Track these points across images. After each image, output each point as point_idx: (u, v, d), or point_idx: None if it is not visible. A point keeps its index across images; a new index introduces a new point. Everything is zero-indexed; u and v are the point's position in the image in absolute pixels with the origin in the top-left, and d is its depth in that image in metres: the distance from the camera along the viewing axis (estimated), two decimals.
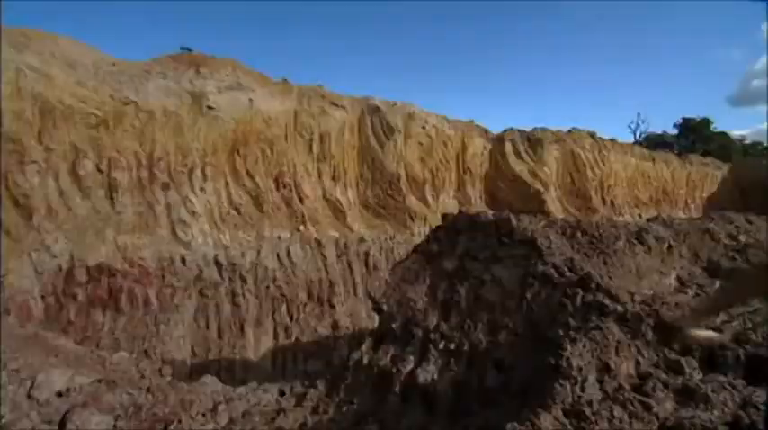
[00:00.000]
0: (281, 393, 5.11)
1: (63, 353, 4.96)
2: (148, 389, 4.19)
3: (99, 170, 8.37)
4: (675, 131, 31.53)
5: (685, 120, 31.01)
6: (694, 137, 30.08)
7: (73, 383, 3.94)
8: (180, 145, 9.39)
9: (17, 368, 3.86)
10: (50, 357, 4.59)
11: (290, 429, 4.11)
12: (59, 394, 3.81)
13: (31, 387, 3.75)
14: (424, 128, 13.81)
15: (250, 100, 10.47)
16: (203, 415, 4.06)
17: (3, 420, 3.00)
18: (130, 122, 8.82)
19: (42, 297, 7.26)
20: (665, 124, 38.29)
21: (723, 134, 30.89)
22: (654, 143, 28.18)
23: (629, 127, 35.38)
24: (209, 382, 4.97)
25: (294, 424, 4.26)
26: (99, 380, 4.09)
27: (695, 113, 32.02)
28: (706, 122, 30.70)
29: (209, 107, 9.84)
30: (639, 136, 30.49)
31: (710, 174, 22.81)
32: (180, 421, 3.86)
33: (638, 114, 47.31)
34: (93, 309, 7.61)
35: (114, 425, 3.61)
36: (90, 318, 7.56)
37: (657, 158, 20.69)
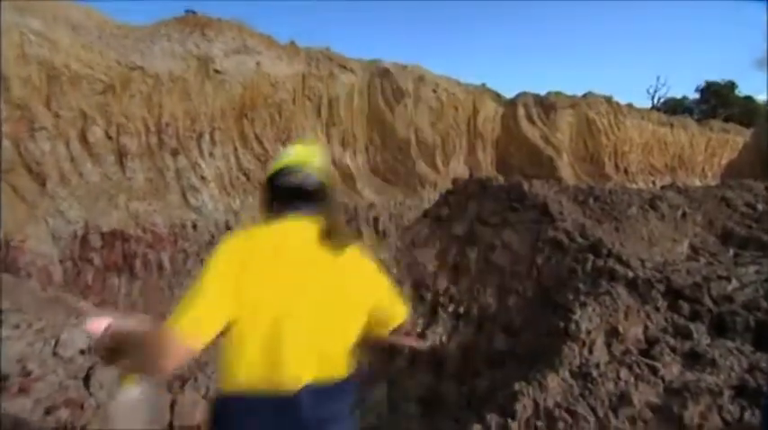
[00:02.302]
0: None
1: (83, 314, 5.13)
2: None
3: (108, 136, 8.38)
4: (697, 96, 30.30)
5: (708, 83, 29.66)
6: (717, 101, 28.82)
7: (93, 342, 4.08)
8: (188, 110, 9.31)
9: (41, 328, 4.00)
10: (72, 318, 4.75)
11: None
12: (82, 352, 3.96)
13: (56, 345, 3.90)
14: (434, 91, 13.48)
15: (257, 63, 10.26)
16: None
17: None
18: (137, 88, 8.74)
19: (61, 261, 7.46)
20: (687, 88, 36.95)
21: (748, 98, 29.43)
22: (673, 108, 27.21)
23: (648, 91, 34.00)
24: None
25: None
26: None
27: (720, 77, 30.54)
28: (730, 86, 29.26)
29: (216, 71, 9.68)
30: (658, 101, 29.43)
31: (731, 141, 21.99)
32: (196, 379, 4.02)
33: (658, 78, 45.39)
34: (109, 274, 7.81)
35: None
36: (107, 282, 7.78)
37: (676, 124, 20.03)
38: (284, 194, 1.22)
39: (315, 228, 1.14)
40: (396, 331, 1.29)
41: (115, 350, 1.08)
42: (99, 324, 1.10)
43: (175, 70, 9.19)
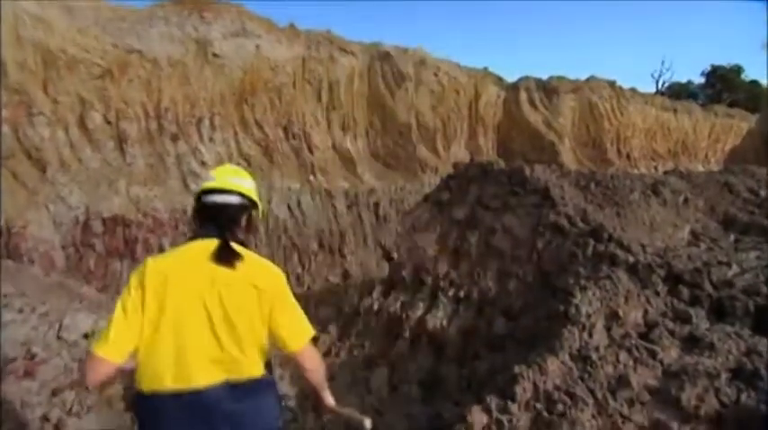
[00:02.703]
0: None
1: (86, 299, 5.17)
2: None
3: (107, 122, 8.32)
4: (702, 80, 29.84)
5: (714, 67, 29.15)
6: (722, 86, 28.37)
7: (97, 326, 4.12)
8: (187, 95, 9.23)
9: (45, 312, 4.04)
10: (75, 303, 4.79)
11: None
12: (86, 336, 4.01)
13: (60, 329, 3.94)
14: (435, 75, 13.32)
15: (257, 46, 10.12)
16: None
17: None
18: (136, 72, 8.64)
19: (63, 247, 7.48)
20: (692, 72, 36.18)
21: (754, 83, 28.83)
22: (677, 93, 26.87)
23: (652, 76, 33.51)
24: None
25: None
26: None
27: (726, 61, 29.85)
28: (736, 70, 28.71)
29: (215, 55, 9.55)
30: (662, 85, 29.05)
31: (736, 126, 21.73)
32: None
33: (663, 62, 44.78)
34: (111, 259, 7.85)
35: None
36: (109, 267, 7.82)
37: (679, 109, 19.81)
38: (204, 214, 1.41)
39: (208, 249, 1.30)
40: (299, 359, 1.39)
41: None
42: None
43: (174, 54, 9.07)
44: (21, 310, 3.88)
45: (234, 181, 1.46)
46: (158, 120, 8.86)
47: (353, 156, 11.87)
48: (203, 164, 9.21)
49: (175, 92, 9.07)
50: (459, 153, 13.72)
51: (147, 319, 1.24)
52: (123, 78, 8.47)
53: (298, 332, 1.39)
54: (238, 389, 1.25)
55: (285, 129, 10.72)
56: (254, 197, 1.51)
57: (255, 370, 1.30)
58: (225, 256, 1.29)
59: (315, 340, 1.52)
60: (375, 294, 5.12)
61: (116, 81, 8.39)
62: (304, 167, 10.77)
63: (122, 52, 8.45)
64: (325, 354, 4.67)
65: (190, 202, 7.00)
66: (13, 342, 3.55)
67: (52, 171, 7.57)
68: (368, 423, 1.49)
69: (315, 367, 1.45)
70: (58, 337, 3.87)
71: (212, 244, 1.32)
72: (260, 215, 1.56)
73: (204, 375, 1.23)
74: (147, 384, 1.24)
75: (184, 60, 9.19)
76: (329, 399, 1.51)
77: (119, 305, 1.26)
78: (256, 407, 1.28)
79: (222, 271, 1.28)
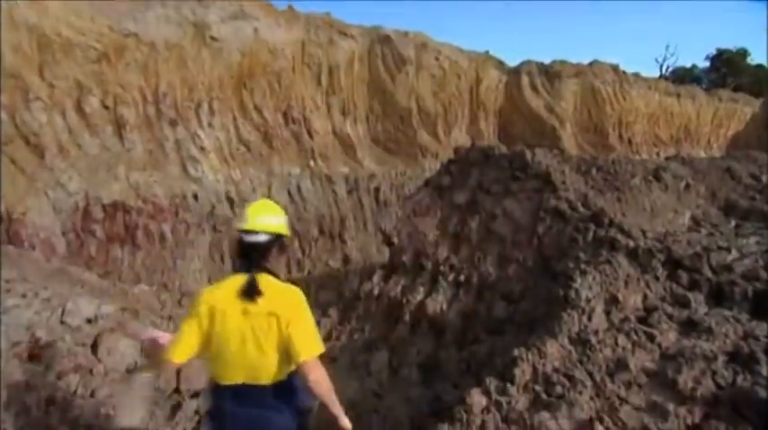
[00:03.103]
0: None
1: (88, 285, 5.20)
2: (170, 318, 4.42)
3: (105, 106, 8.23)
4: (707, 64, 29.36)
5: (719, 51, 28.61)
6: (727, 70, 27.89)
7: (100, 311, 4.15)
8: (185, 79, 9.12)
9: (48, 297, 4.06)
10: (77, 288, 4.82)
11: None
12: (89, 321, 4.04)
13: (63, 313, 3.96)
14: (436, 59, 13.15)
15: (255, 29, 9.96)
16: None
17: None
18: (132, 56, 8.52)
19: (63, 234, 7.48)
20: (697, 57, 35.49)
21: (760, 67, 28.24)
22: (681, 77, 26.50)
23: (657, 60, 33.01)
24: None
25: None
26: (123, 309, 4.31)
27: (733, 45, 29.24)
28: (742, 54, 28.16)
29: (213, 38, 9.41)
30: (666, 70, 28.64)
31: (739, 111, 21.48)
32: None
33: (667, 46, 43.96)
34: (111, 245, 7.86)
35: (141, 349, 3.86)
36: (110, 253, 7.84)
37: (683, 94, 19.58)
38: (240, 251, 1.78)
39: (238, 285, 1.70)
40: (306, 372, 1.70)
41: (146, 354, 2.00)
42: (142, 334, 2.05)
43: (171, 37, 8.93)
44: (24, 295, 3.90)
45: (262, 221, 1.77)
46: (156, 105, 8.77)
47: (354, 141, 11.79)
48: (202, 149, 9.16)
49: (173, 76, 8.96)
50: (460, 138, 13.63)
51: (202, 335, 1.71)
52: (120, 62, 8.36)
53: (307, 345, 1.70)
54: (254, 390, 1.73)
55: (285, 114, 10.63)
56: (283, 231, 1.85)
57: (275, 379, 1.74)
58: (249, 294, 1.68)
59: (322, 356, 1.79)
60: (375, 279, 5.15)
61: (113, 65, 8.27)
62: (304, 153, 10.71)
63: (118, 35, 8.32)
64: (326, 339, 4.71)
65: (190, 188, 7.01)
66: (18, 326, 3.57)
67: (51, 157, 7.52)
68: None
69: (318, 379, 1.70)
70: (62, 322, 3.90)
71: (241, 280, 1.71)
72: (286, 237, 1.90)
73: (233, 377, 1.73)
74: (212, 378, 1.81)
75: (182, 44, 9.05)
76: (345, 422, 1.78)
77: (183, 322, 1.76)
78: (272, 404, 1.75)
79: (250, 305, 1.69)
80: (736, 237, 4.82)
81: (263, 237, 1.75)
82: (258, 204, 1.88)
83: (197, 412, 3.37)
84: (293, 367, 1.73)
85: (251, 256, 1.74)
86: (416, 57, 12.73)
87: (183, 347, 1.71)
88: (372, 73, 12.33)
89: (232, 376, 1.73)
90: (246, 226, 1.75)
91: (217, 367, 1.76)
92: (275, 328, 1.68)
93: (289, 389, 1.77)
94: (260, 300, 1.68)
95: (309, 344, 1.71)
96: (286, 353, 1.70)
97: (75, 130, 7.89)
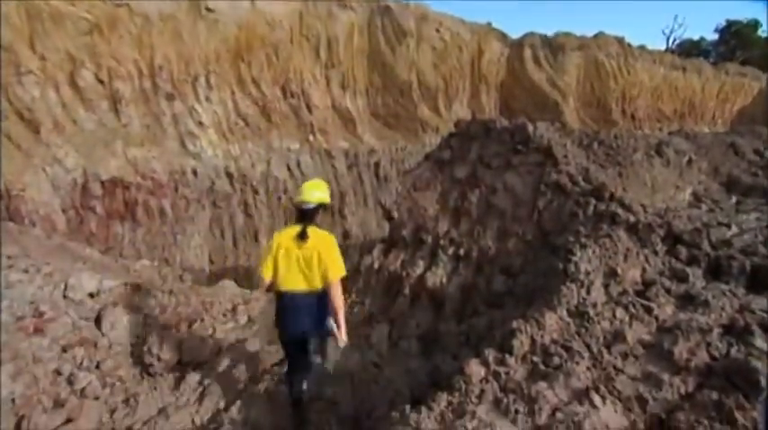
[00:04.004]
0: None
1: (90, 260, 5.22)
2: (171, 292, 4.45)
3: (99, 80, 8.07)
4: (716, 37, 28.56)
5: (729, 23, 27.74)
6: (736, 43, 27.10)
7: (102, 286, 4.18)
8: (181, 52, 8.91)
9: (50, 272, 4.08)
10: (78, 264, 4.84)
11: None
12: (91, 295, 4.07)
13: (65, 289, 4.00)
14: (438, 31, 12.83)
15: (252, 0, 9.68)
16: (224, 315, 4.35)
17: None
18: (126, 28, 8.30)
19: (63, 210, 7.46)
20: (706, 29, 34.29)
21: None
22: (688, 50, 25.87)
23: (663, 32, 32.12)
24: (228, 286, 5.25)
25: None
26: (125, 284, 4.34)
27: (744, 16, 28.28)
28: (753, 26, 27.23)
29: (209, 9, 9.15)
30: (673, 42, 27.94)
31: (747, 86, 20.97)
32: (203, 320, 4.16)
33: (675, 17, 42.73)
34: (111, 221, 7.86)
35: (144, 323, 3.91)
36: (110, 229, 7.85)
37: (689, 67, 19.16)
38: (297, 213, 2.78)
39: (296, 231, 2.72)
40: (330, 287, 2.71)
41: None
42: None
43: (165, 9, 8.68)
44: (26, 271, 3.92)
45: (311, 195, 2.76)
46: (152, 79, 8.61)
47: (353, 115, 11.63)
48: (201, 124, 9.04)
49: (168, 49, 8.76)
50: (461, 112, 13.45)
51: (274, 262, 2.72)
52: (113, 34, 8.15)
53: (334, 270, 2.71)
54: (309, 294, 2.73)
55: (283, 88, 10.45)
56: (325, 201, 2.84)
57: (318, 287, 2.72)
58: (302, 237, 2.69)
59: (345, 280, 2.83)
60: (375, 253, 5.17)
61: (105, 37, 8.07)
62: (303, 127, 10.59)
63: (110, 6, 8.08)
64: None
65: (189, 164, 6.97)
66: (21, 300, 3.61)
67: (46, 132, 7.43)
68: (341, 342, 2.76)
69: (338, 293, 2.74)
70: (65, 297, 3.94)
71: (298, 229, 2.71)
72: (328, 204, 2.89)
73: (297, 284, 2.73)
74: (279, 287, 2.77)
75: (176, 15, 8.81)
76: (342, 336, 2.76)
77: (265, 254, 2.79)
78: (316, 303, 2.75)
79: (302, 243, 2.69)
80: (737, 212, 4.82)
81: (311, 205, 2.75)
82: (309, 183, 2.88)
83: (200, 383, 3.44)
84: (324, 285, 2.73)
85: (304, 216, 2.74)
86: (417, 28, 12.42)
87: (268, 270, 2.73)
88: (372, 45, 12.06)
89: (290, 285, 2.74)
90: (301, 198, 2.76)
91: (281, 280, 2.74)
92: (316, 258, 2.68)
93: (322, 305, 2.76)
94: (308, 241, 2.69)
95: (336, 269, 2.72)
96: (322, 274, 2.70)
97: (69, 105, 7.77)
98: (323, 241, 2.73)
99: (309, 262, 2.68)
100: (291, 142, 10.33)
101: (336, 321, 2.73)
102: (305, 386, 2.90)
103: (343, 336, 2.74)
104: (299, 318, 2.77)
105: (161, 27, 8.66)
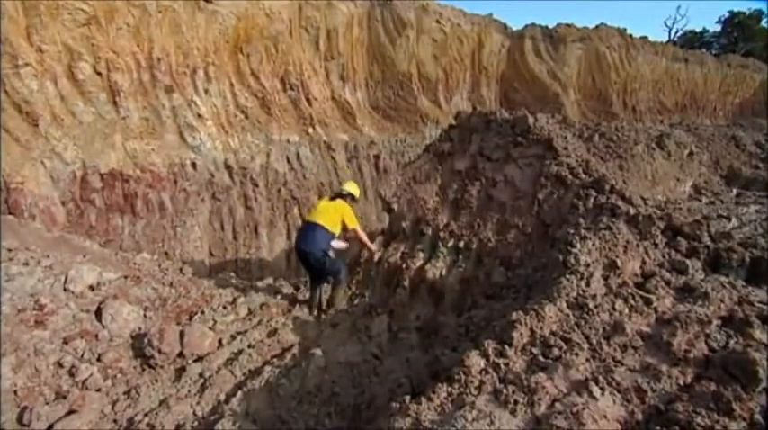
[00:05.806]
0: (296, 287, 5.45)
1: (90, 253, 5.23)
2: (171, 285, 4.46)
3: (97, 73, 8.01)
4: (719, 28, 28.26)
5: (732, 14, 27.43)
6: (739, 34, 26.83)
7: (102, 279, 4.20)
8: (179, 44, 8.84)
9: (50, 265, 4.09)
10: (78, 256, 4.85)
11: (305, 319, 4.44)
12: (91, 288, 4.08)
13: (66, 281, 4.01)
14: (438, 22, 12.73)
15: None
16: (224, 307, 4.37)
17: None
18: (124, 20, 8.22)
19: (62, 203, 7.45)
20: (709, 20, 33.75)
21: None
22: (690, 42, 25.65)
23: (666, 24, 31.85)
24: (228, 279, 5.26)
25: (309, 315, 4.59)
26: (126, 277, 4.35)
27: (747, 7, 27.95)
28: (757, 17, 26.91)
29: (207, 1, 9.06)
30: (675, 34, 27.69)
31: (749, 78, 20.83)
32: (203, 312, 4.18)
33: (678, 8, 42.14)
34: (111, 214, 7.85)
35: (144, 315, 3.92)
36: (110, 222, 7.83)
37: (691, 59, 19.01)
38: (334, 194, 4.98)
39: (330, 197, 4.99)
40: (350, 232, 4.83)
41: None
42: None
43: (163, 0, 8.60)
44: (26, 263, 3.93)
45: (347, 187, 4.96)
46: (151, 71, 8.55)
47: (353, 107, 11.57)
48: (200, 117, 9.00)
49: (167, 41, 8.69)
50: (462, 104, 13.39)
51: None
52: (111, 26, 8.07)
53: (351, 222, 4.66)
54: (325, 229, 4.55)
55: (282, 80, 10.38)
56: (353, 192, 4.93)
57: (334, 229, 4.60)
58: (332, 199, 4.81)
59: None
60: (375, 245, 5.18)
61: (103, 29, 8.00)
62: (303, 119, 10.54)
63: None
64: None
65: (188, 156, 7.10)
66: (22, 293, 3.62)
67: (44, 125, 7.38)
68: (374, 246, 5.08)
69: (360, 234, 4.85)
70: (65, 289, 3.95)
71: (331, 199, 4.86)
72: (356, 196, 5.00)
73: (318, 219, 4.60)
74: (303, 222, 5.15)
75: (175, 7, 8.73)
76: (372, 246, 5.05)
77: (312, 208, 5.14)
78: (329, 238, 4.61)
79: (331, 202, 4.75)
80: (737, 205, 4.82)
81: (344, 192, 4.82)
82: (349, 182, 5.00)
83: (200, 375, 3.46)
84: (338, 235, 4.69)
85: (338, 196, 4.75)
86: (417, 20, 12.32)
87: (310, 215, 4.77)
88: (372, 37, 11.96)
89: (314, 219, 4.58)
90: (341, 188, 4.92)
91: (309, 216, 4.72)
92: (338, 214, 4.59)
93: (328, 246, 4.56)
94: (335, 204, 4.64)
95: (353, 222, 4.65)
96: (340, 223, 4.60)
97: (67, 98, 7.72)
98: (343, 205, 4.65)
99: (331, 212, 4.56)
100: (291, 134, 10.29)
101: (365, 244, 4.90)
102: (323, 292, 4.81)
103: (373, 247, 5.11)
104: (315, 242, 4.51)
105: (159, 19, 8.58)
